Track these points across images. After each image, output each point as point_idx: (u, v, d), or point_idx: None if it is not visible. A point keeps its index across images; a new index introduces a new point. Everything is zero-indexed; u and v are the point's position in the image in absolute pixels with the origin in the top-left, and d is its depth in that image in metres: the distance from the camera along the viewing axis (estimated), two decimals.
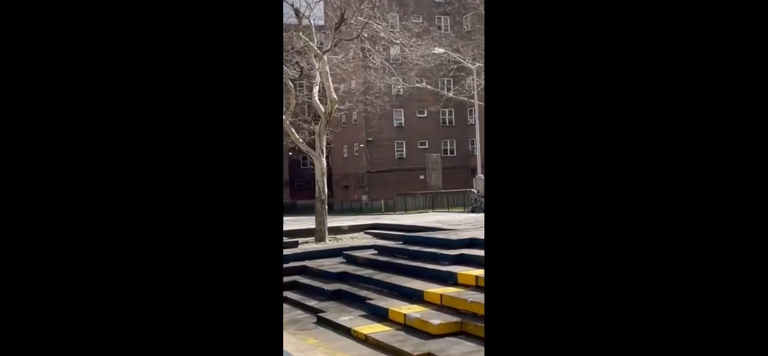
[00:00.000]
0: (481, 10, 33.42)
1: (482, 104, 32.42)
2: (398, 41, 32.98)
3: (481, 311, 8.48)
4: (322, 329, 9.35)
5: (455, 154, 47.04)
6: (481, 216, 19.46)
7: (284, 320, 8.54)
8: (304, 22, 19.78)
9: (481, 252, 10.86)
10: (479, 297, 8.84)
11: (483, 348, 7.72)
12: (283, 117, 17.10)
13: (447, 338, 8.17)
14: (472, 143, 42.07)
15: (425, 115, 45.41)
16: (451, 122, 47.16)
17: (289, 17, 19.63)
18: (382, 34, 27.05)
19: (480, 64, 31.94)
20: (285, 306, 10.30)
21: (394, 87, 35.15)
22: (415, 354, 7.71)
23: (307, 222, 19.14)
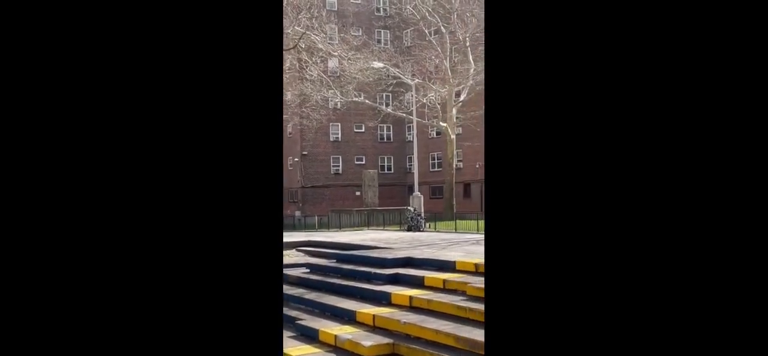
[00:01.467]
0: (421, 26, 33.79)
1: (420, 120, 32.78)
2: (336, 54, 33.03)
3: (415, 332, 8.47)
4: None
5: (393, 171, 47.27)
6: (417, 235, 19.55)
7: None
8: None
9: (416, 272, 10.86)
10: (413, 318, 8.82)
11: None
12: None
13: None
14: (410, 160, 42.36)
15: (363, 130, 45.50)
16: (389, 137, 47.40)
17: None
18: (319, 46, 26.95)
19: (419, 80, 32.23)
20: None
21: (331, 100, 35.17)
22: None
23: None
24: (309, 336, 9.22)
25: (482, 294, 9.02)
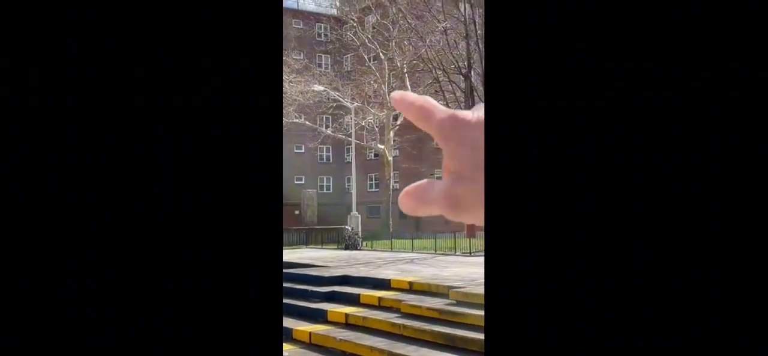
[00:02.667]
0: (361, 52, 33.96)
1: (359, 142, 32.84)
2: None
3: (350, 349, 8.45)
4: None
5: (331, 191, 47.09)
6: (354, 253, 19.49)
7: None
8: None
9: (352, 290, 10.85)
10: (349, 335, 8.80)
11: None
12: None
13: None
14: (349, 180, 42.29)
15: (303, 150, 45.23)
16: (328, 158, 47.26)
17: None
18: None
19: (358, 103, 32.33)
20: None
21: None
22: None
23: None
24: None
25: (416, 312, 9.08)
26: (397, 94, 0.57)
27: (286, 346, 8.90)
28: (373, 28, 33.09)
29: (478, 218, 0.56)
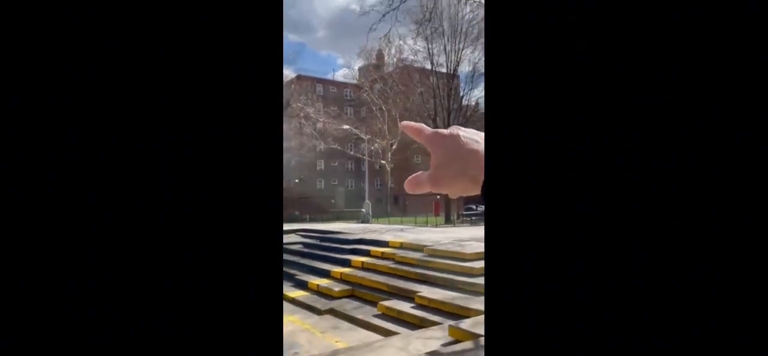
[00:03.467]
0: (371, 105, 33.77)
1: (370, 159, 32.61)
2: (322, 120, 32.73)
3: (365, 282, 8.22)
4: None
5: (353, 188, 46.90)
6: (367, 225, 19.22)
7: None
8: None
9: (366, 246, 10.60)
10: (364, 274, 8.58)
11: (364, 305, 7.43)
12: None
13: (343, 299, 7.86)
14: (363, 182, 42.04)
15: (336, 164, 45.12)
16: (351, 169, 47.09)
17: None
18: (312, 115, 26.52)
19: (369, 136, 32.17)
20: None
21: (317, 147, 34.64)
22: (323, 309, 7.35)
23: None
24: (302, 285, 8.85)
25: (404, 260, 8.82)
26: (404, 122, 0.56)
27: (326, 280, 8.66)
28: (378, 91, 32.90)
29: (450, 191, 0.51)
